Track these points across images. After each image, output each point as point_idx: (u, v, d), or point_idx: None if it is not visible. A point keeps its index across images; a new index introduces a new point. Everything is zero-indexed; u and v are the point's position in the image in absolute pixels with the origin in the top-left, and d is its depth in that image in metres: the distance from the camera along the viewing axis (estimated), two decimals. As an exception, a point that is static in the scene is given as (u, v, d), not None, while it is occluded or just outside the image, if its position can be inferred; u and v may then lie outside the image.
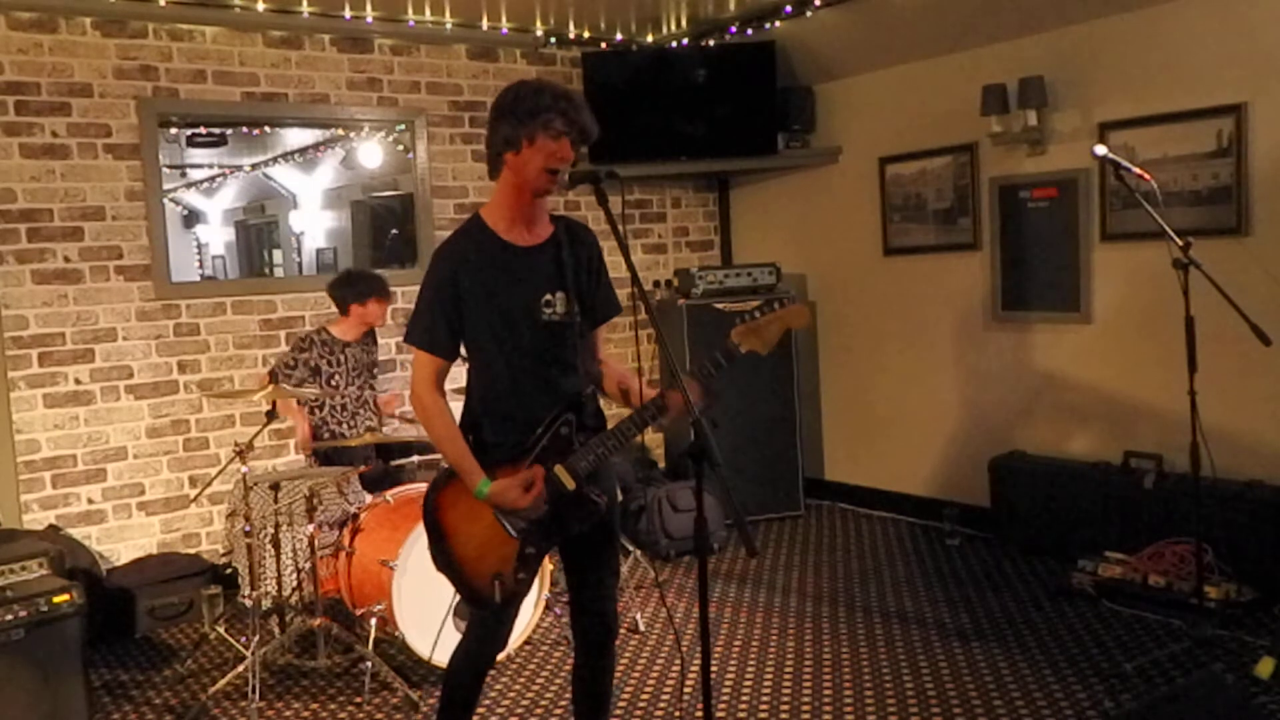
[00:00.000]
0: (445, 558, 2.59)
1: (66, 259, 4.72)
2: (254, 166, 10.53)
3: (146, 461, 4.93)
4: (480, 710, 3.66)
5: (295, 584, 4.20)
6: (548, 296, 2.56)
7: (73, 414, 4.76)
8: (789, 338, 5.89)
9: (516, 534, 2.52)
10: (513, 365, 2.56)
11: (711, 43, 5.96)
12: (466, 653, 2.69)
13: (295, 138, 9.11)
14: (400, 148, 6.23)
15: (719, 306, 5.74)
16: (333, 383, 4.61)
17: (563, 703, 3.68)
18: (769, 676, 3.83)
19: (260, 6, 4.96)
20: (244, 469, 3.85)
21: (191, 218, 12.65)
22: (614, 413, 2.64)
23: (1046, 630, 4.09)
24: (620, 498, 5.11)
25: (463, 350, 2.62)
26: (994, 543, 5.19)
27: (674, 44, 6.01)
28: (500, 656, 3.96)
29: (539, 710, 3.66)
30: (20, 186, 4.61)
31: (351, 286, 4.68)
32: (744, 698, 3.67)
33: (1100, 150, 3.75)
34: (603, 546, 2.72)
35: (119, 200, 4.83)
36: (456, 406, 2.64)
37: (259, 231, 12.06)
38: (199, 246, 12.76)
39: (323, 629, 3.99)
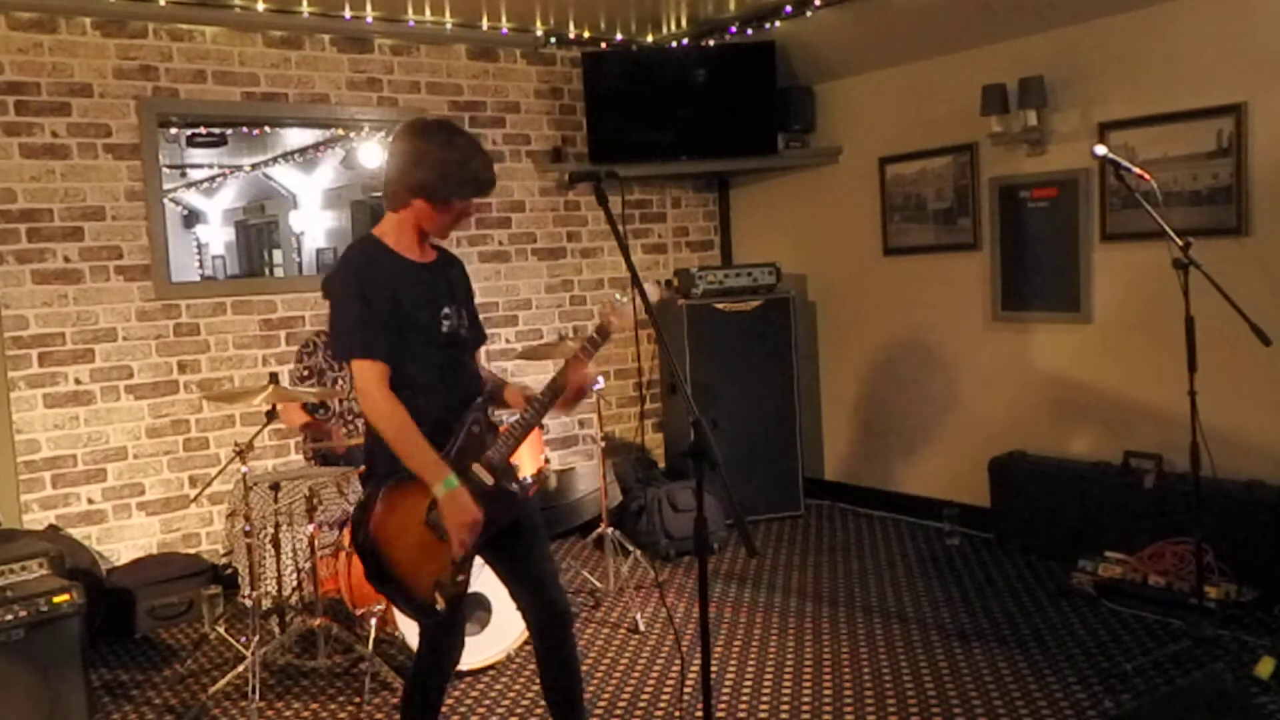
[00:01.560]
0: (384, 575, 2.62)
1: (66, 259, 4.73)
2: (254, 166, 10.54)
3: (146, 461, 4.93)
4: (480, 710, 3.67)
5: (295, 584, 4.20)
6: (446, 309, 2.69)
7: (73, 414, 4.76)
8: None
9: (447, 536, 2.57)
10: (424, 372, 2.63)
11: (711, 43, 5.95)
12: (427, 661, 2.79)
13: (295, 138, 9.12)
14: (400, 148, 6.22)
15: (719, 306, 5.75)
16: (337, 386, 4.60)
17: (563, 703, 3.68)
18: (769, 676, 3.83)
19: (260, 6, 4.96)
20: (244, 469, 3.84)
21: (191, 218, 12.67)
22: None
23: (1046, 630, 4.09)
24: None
25: None
26: (994, 543, 5.19)
27: (674, 44, 6.01)
28: (499, 658, 3.99)
29: (539, 710, 3.65)
30: (20, 186, 4.61)
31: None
32: (744, 698, 3.67)
33: (1100, 150, 3.74)
34: (532, 537, 2.79)
35: (119, 200, 4.83)
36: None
37: (259, 231, 12.08)
38: (199, 246, 12.79)
39: (323, 629, 3.99)
